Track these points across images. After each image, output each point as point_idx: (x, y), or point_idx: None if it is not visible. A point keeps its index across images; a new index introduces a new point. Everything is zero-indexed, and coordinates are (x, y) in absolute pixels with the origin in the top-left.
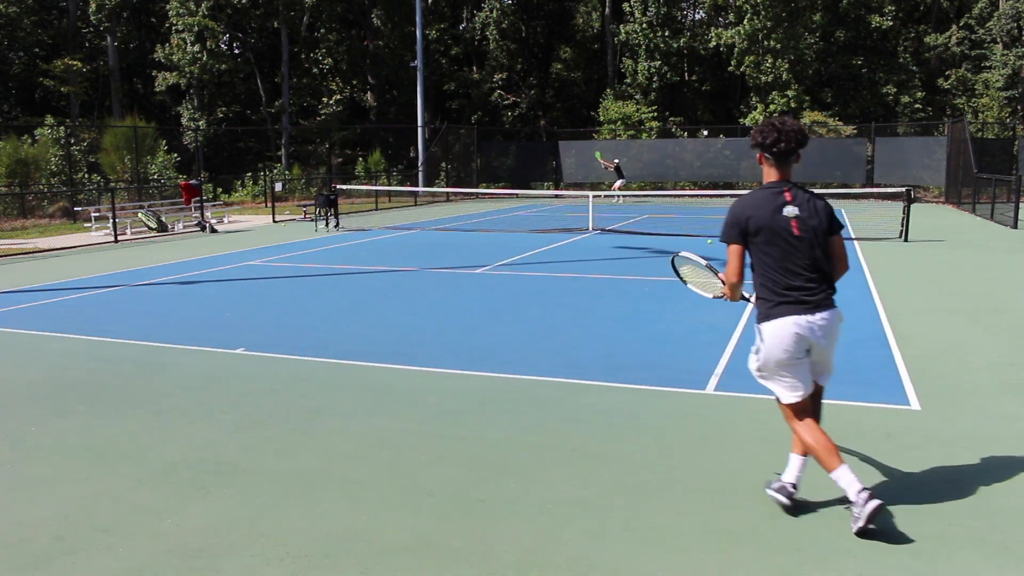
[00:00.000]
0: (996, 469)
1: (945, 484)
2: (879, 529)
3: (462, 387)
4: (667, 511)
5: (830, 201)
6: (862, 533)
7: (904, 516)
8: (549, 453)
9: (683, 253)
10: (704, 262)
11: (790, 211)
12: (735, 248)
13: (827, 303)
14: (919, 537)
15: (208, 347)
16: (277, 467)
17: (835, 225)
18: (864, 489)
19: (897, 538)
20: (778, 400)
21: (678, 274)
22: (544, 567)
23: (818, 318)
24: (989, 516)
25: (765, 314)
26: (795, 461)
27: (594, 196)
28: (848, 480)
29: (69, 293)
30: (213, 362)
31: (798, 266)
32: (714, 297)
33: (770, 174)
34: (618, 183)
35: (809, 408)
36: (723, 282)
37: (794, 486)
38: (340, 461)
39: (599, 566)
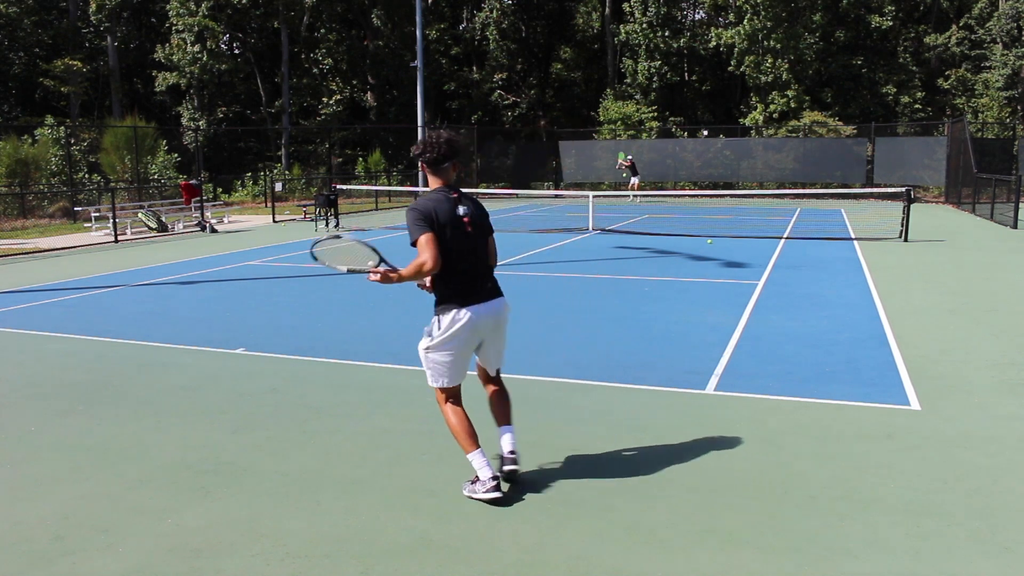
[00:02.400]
0: (996, 469)
1: (945, 484)
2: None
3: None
4: (667, 511)
5: (830, 200)
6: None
7: (904, 516)
8: (549, 453)
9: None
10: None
11: (462, 210)
12: (431, 236)
13: (495, 292)
14: (919, 537)
15: (208, 347)
16: (277, 467)
17: (490, 226)
18: (495, 478)
19: (897, 538)
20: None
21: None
22: (544, 567)
23: (489, 307)
24: (989, 516)
25: (446, 301)
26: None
27: (594, 196)
28: (480, 463)
29: (69, 293)
30: (213, 362)
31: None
32: (349, 271)
33: (433, 181)
34: (634, 180)
35: (459, 394)
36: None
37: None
38: (340, 461)
39: (599, 566)
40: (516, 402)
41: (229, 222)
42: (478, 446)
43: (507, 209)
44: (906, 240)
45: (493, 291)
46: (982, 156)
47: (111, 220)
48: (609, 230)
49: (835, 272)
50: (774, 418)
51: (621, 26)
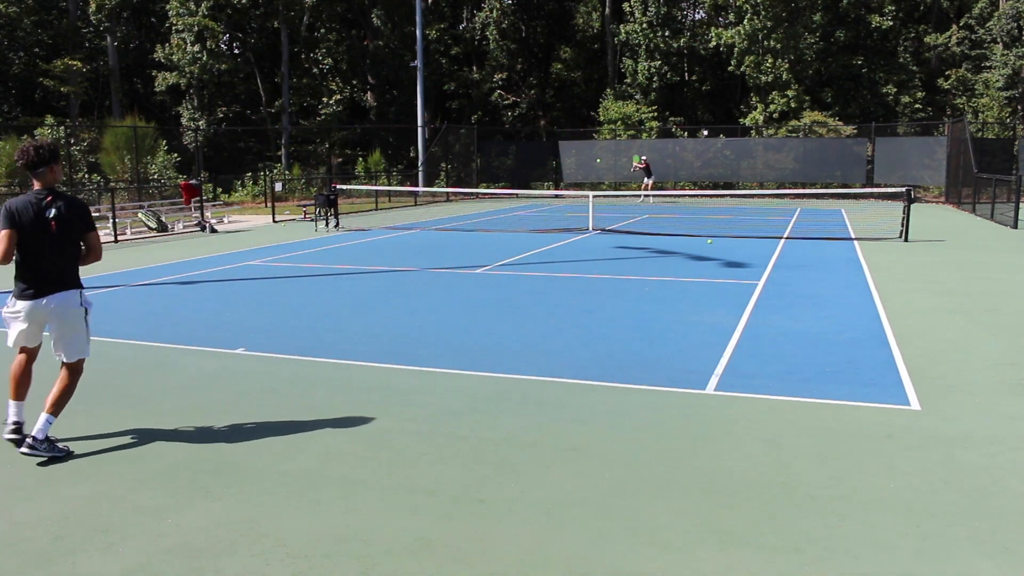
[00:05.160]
0: (996, 469)
1: (945, 484)
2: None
3: (462, 387)
4: (667, 511)
5: (830, 200)
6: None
7: (904, 516)
8: (549, 453)
9: None
10: None
11: (51, 212)
12: (8, 233)
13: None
14: (919, 537)
15: (208, 347)
16: (277, 467)
17: (89, 224)
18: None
19: (897, 538)
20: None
21: None
22: (544, 567)
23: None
24: (989, 516)
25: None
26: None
27: (594, 196)
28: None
29: None
30: (213, 362)
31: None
32: None
33: (34, 184)
34: (649, 181)
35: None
36: None
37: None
38: (340, 461)
39: (599, 566)
40: (517, 402)
41: (229, 222)
42: (17, 398)
43: (507, 209)
44: (906, 240)
45: (52, 286)
46: (982, 156)
47: (111, 220)
48: (609, 230)
49: (835, 272)
50: (774, 418)
51: (621, 26)
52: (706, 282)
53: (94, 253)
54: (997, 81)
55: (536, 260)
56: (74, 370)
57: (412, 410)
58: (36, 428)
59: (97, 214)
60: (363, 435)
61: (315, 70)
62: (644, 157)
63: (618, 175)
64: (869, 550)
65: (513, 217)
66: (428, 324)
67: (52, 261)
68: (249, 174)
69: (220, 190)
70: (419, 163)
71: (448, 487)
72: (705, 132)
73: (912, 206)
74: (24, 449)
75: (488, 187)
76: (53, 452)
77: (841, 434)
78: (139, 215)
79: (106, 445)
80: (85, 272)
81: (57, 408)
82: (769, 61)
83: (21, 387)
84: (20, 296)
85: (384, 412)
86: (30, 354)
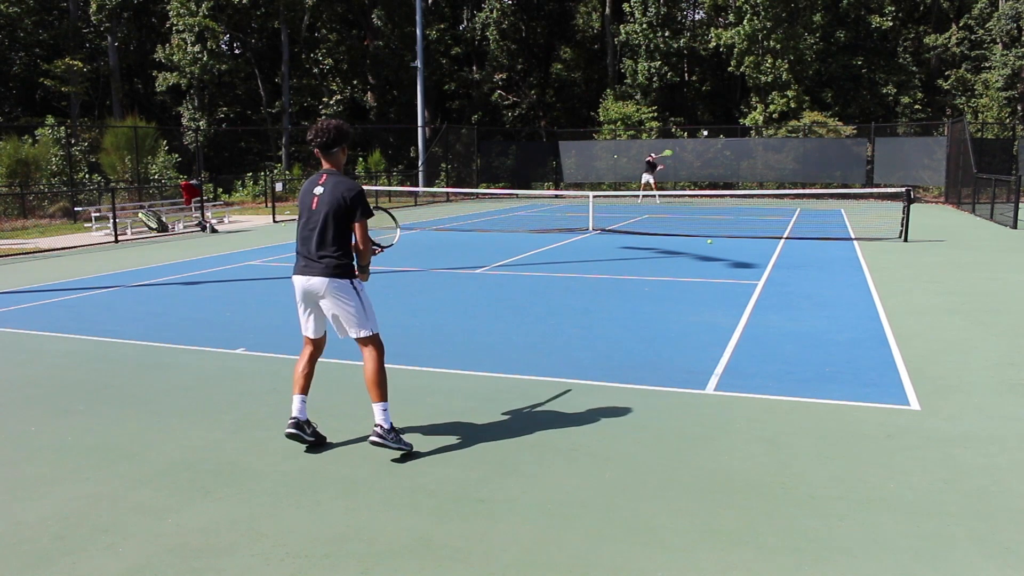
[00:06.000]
0: (996, 469)
1: (945, 484)
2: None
3: (462, 387)
4: (667, 511)
5: (830, 201)
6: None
7: (904, 516)
8: (549, 453)
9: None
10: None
11: (318, 190)
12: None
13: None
14: (919, 537)
15: (208, 347)
16: (277, 467)
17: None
18: (293, 418)
19: (897, 538)
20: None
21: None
22: (544, 567)
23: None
24: (989, 516)
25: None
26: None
27: (594, 196)
28: (296, 406)
29: (69, 293)
30: (213, 362)
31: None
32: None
33: (323, 163)
34: (650, 179)
35: (307, 344)
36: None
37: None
38: (340, 461)
39: (599, 566)
40: (515, 402)
41: (229, 222)
42: (299, 392)
43: (507, 209)
44: (906, 240)
45: (308, 267)
46: (982, 156)
47: (111, 220)
48: (609, 230)
49: (835, 272)
50: (774, 418)
51: (621, 26)
52: (706, 282)
53: (358, 243)
54: (997, 81)
55: (536, 260)
56: (368, 346)
57: (412, 409)
58: (377, 420)
59: (97, 214)
60: (363, 435)
61: (315, 70)
62: (652, 153)
63: (618, 175)
64: (869, 550)
65: (513, 217)
66: (428, 324)
67: (310, 239)
68: (250, 174)
69: (220, 190)
70: (419, 163)
71: (448, 487)
72: (705, 132)
73: (912, 206)
74: (373, 438)
75: (488, 187)
76: (399, 445)
77: (841, 434)
78: (139, 215)
79: (106, 445)
80: (84, 271)
81: (378, 393)
82: (769, 61)
83: (299, 380)
84: (293, 271)
85: None
86: (313, 346)
